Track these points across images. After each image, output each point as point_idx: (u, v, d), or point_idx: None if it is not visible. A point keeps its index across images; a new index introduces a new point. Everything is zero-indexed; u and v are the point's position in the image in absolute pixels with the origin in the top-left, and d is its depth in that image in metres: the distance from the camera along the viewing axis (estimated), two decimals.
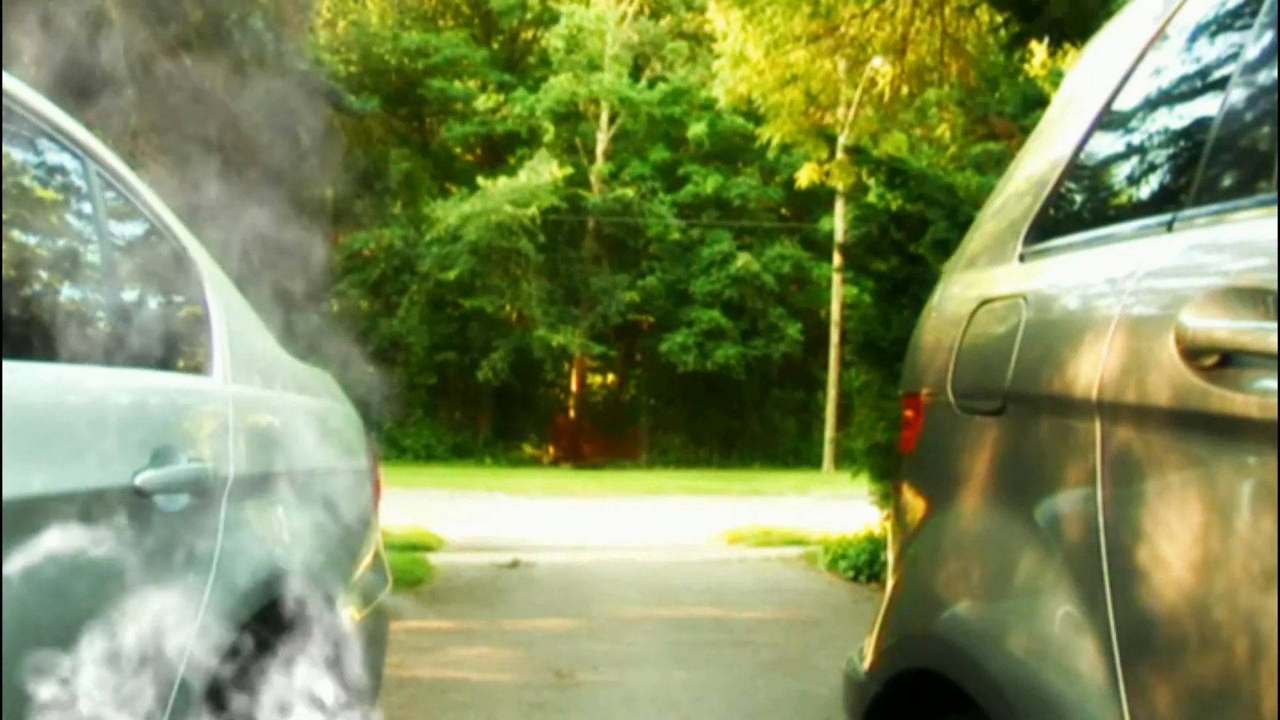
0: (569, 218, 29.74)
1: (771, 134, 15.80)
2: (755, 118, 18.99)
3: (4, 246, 1.78)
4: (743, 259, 28.93)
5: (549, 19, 31.19)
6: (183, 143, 6.36)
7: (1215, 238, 1.37)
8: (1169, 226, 1.44)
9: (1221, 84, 1.48)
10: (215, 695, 1.96)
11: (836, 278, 23.88)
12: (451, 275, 27.76)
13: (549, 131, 30.07)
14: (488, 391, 30.03)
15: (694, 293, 29.47)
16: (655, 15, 31.30)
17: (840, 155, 14.36)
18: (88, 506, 1.65)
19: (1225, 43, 1.56)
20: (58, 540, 1.58)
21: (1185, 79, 1.64)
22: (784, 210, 30.91)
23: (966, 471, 1.76)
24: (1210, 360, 1.23)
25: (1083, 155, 1.78)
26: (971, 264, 1.97)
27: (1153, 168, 1.66)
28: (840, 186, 17.09)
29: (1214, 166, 1.44)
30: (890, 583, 2.02)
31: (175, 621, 1.84)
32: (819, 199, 26.63)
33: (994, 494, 1.68)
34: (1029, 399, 1.59)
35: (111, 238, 2.10)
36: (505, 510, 15.70)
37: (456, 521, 12.52)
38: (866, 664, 1.95)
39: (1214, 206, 1.40)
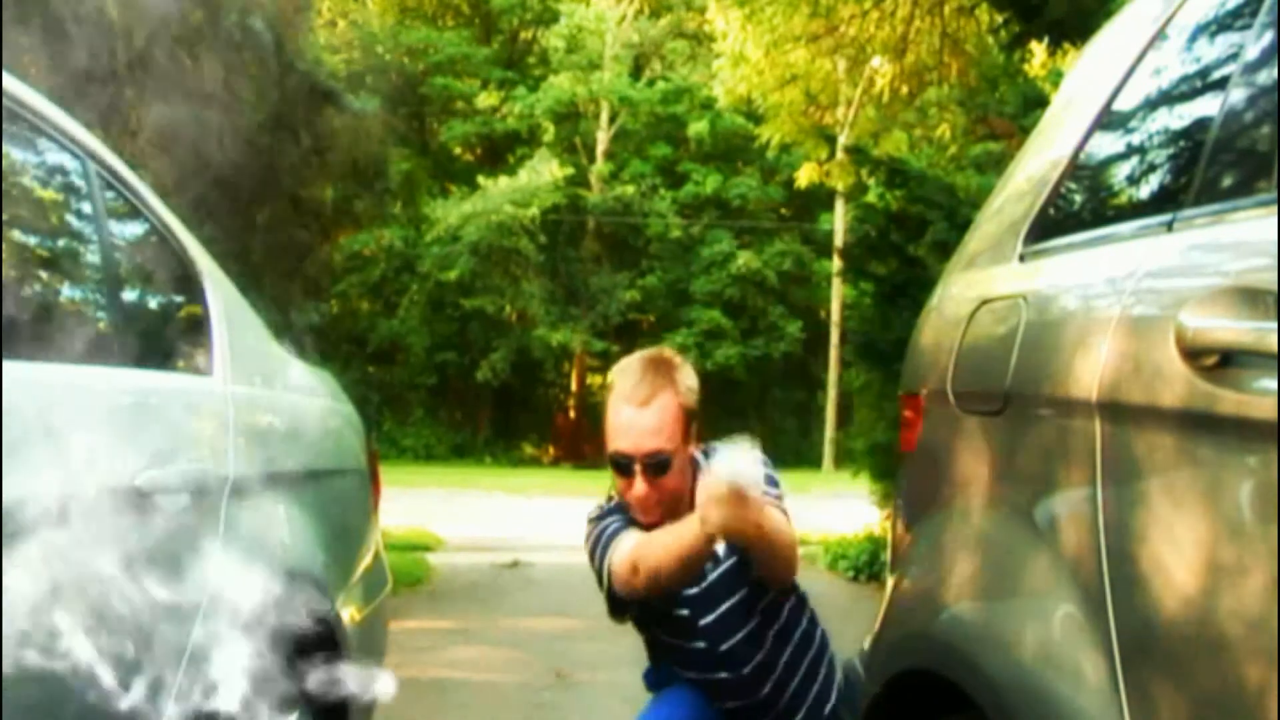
0: (569, 217, 29.73)
1: (771, 133, 15.79)
2: (755, 117, 18.98)
3: (4, 246, 1.78)
4: (743, 256, 28.93)
5: (549, 19, 31.19)
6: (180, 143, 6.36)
7: (1215, 238, 1.37)
8: (1169, 226, 1.44)
9: (1221, 84, 1.48)
10: (215, 695, 1.96)
11: (836, 278, 23.89)
12: (451, 275, 27.76)
13: (549, 131, 30.06)
14: (488, 391, 30.02)
15: (694, 292, 29.46)
16: (655, 15, 31.29)
17: (840, 155, 14.36)
18: (88, 506, 1.65)
19: (1225, 43, 1.56)
20: (58, 540, 1.58)
21: (1185, 79, 1.64)
22: (784, 210, 30.90)
23: (966, 471, 1.76)
24: (1210, 360, 1.23)
25: (1083, 155, 1.78)
26: (971, 264, 1.97)
27: (1153, 168, 1.66)
28: (840, 186, 17.08)
29: (1214, 166, 1.44)
30: (890, 583, 2.02)
31: (175, 621, 1.84)
32: (819, 198, 26.63)
33: (994, 494, 1.68)
34: (1029, 399, 1.59)
35: (111, 238, 2.10)
36: (505, 510, 15.69)
37: (456, 521, 12.51)
38: (866, 664, 1.95)
39: (1214, 206, 1.39)
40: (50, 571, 1.57)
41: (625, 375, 2.36)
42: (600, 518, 2.43)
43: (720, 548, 2.37)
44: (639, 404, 2.30)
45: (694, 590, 2.38)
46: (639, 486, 2.31)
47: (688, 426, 2.36)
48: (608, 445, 2.34)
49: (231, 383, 2.26)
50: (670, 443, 2.31)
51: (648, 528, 2.37)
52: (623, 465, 2.32)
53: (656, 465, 2.30)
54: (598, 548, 2.38)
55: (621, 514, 2.40)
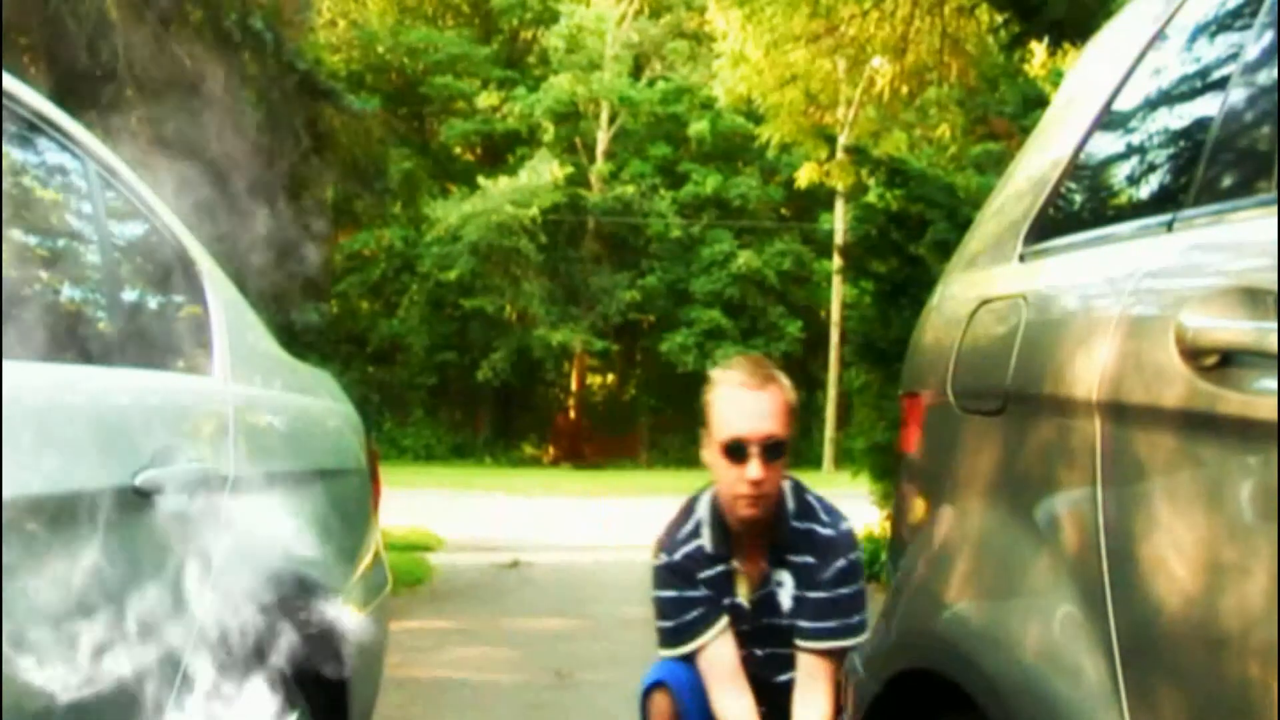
0: (569, 217, 29.73)
1: (771, 133, 15.82)
2: (755, 117, 19.00)
3: (4, 246, 1.78)
4: (744, 256, 28.94)
5: (549, 19, 31.19)
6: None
7: (1215, 238, 1.37)
8: (1169, 226, 1.44)
9: (1221, 84, 1.48)
10: (214, 695, 1.96)
11: (836, 278, 23.91)
12: (451, 275, 27.75)
13: (549, 131, 30.07)
14: (488, 391, 30.03)
15: (694, 292, 29.47)
16: (655, 15, 31.29)
17: (840, 155, 14.38)
18: (88, 507, 1.65)
19: (1225, 43, 1.56)
20: (58, 540, 1.58)
21: (1185, 79, 1.64)
22: (784, 210, 30.91)
23: (966, 471, 1.76)
24: (1210, 360, 1.23)
25: (1083, 155, 1.78)
26: (971, 264, 1.97)
27: (1153, 168, 1.65)
28: (840, 186, 17.10)
29: (1214, 166, 1.44)
30: (890, 583, 2.02)
31: (175, 622, 1.84)
32: (819, 198, 26.63)
33: (994, 494, 1.68)
34: (1029, 399, 1.59)
35: (111, 238, 2.10)
36: (505, 510, 15.69)
37: (456, 521, 12.52)
38: (866, 664, 1.95)
39: (1214, 206, 1.39)
40: (50, 571, 1.57)
41: (735, 368, 2.52)
42: (674, 564, 2.56)
43: (785, 591, 2.55)
44: (756, 388, 2.45)
45: (744, 627, 2.55)
46: (754, 469, 2.41)
47: (789, 424, 2.50)
48: (718, 435, 2.45)
49: (231, 383, 2.26)
50: (783, 430, 2.46)
51: (732, 542, 2.53)
52: (738, 450, 2.42)
53: (772, 448, 2.43)
54: (670, 616, 2.53)
55: (693, 577, 2.53)
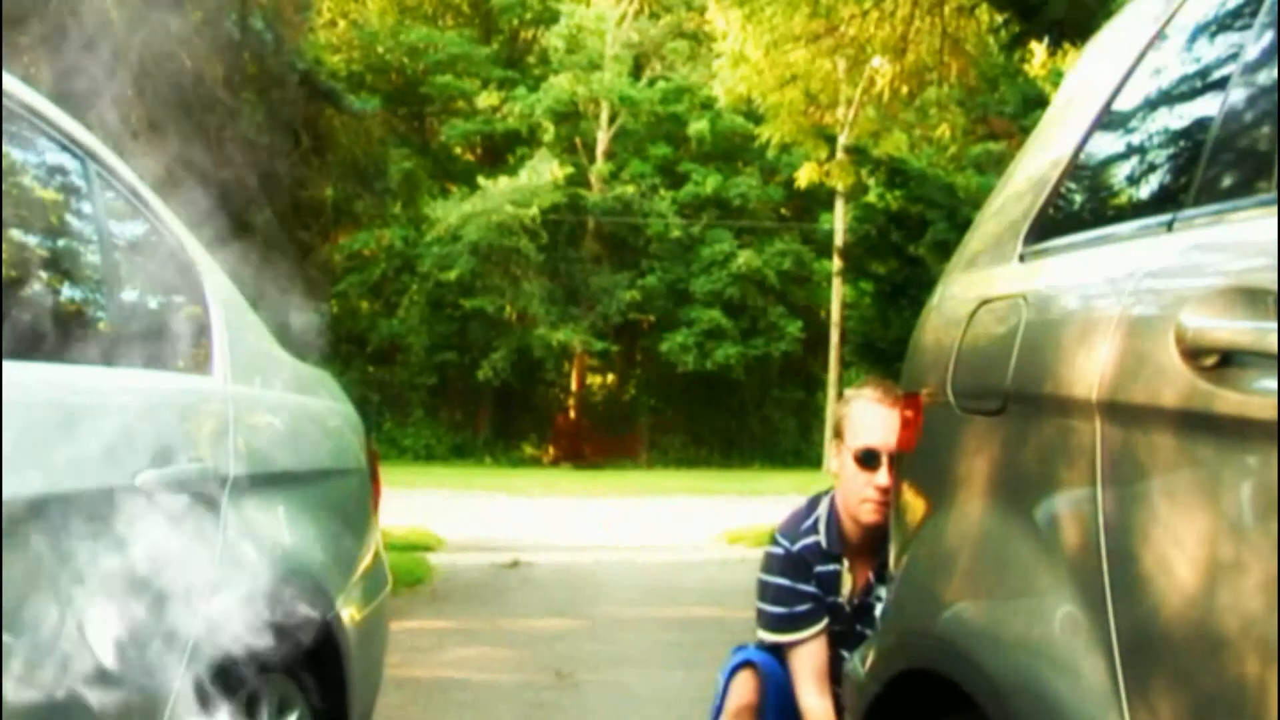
0: (569, 217, 29.72)
1: (771, 133, 15.81)
2: (755, 117, 19.00)
3: (4, 246, 1.78)
4: (744, 256, 28.93)
5: (549, 18, 31.18)
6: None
7: (1215, 238, 1.37)
8: (1169, 226, 1.44)
9: (1221, 84, 1.48)
10: (213, 695, 1.96)
11: (836, 278, 23.89)
12: (451, 275, 27.74)
13: (549, 131, 30.05)
14: (488, 391, 30.02)
15: (694, 292, 29.46)
16: (655, 15, 31.28)
17: (840, 155, 14.38)
18: (88, 507, 1.65)
19: (1225, 43, 1.56)
20: (58, 541, 1.58)
21: (1185, 79, 1.64)
22: (784, 210, 30.90)
23: (966, 471, 1.76)
24: (1210, 360, 1.23)
25: (1083, 155, 1.78)
26: (971, 264, 1.97)
27: (1153, 168, 1.66)
28: (840, 186, 17.10)
29: (1214, 166, 1.44)
30: (890, 583, 2.02)
31: (175, 622, 1.84)
32: (819, 198, 26.62)
33: (994, 494, 1.68)
34: (1029, 399, 1.59)
35: (111, 238, 2.10)
36: (505, 510, 15.69)
37: (456, 521, 12.51)
38: (866, 664, 1.95)
39: (1214, 206, 1.39)
40: (50, 571, 1.57)
41: (870, 386, 2.71)
42: (793, 554, 2.69)
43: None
44: (890, 405, 2.58)
45: (839, 628, 2.69)
46: (883, 476, 2.58)
47: None
48: (852, 443, 2.64)
49: (231, 383, 2.26)
50: None
51: (843, 548, 2.68)
52: (870, 457, 2.60)
53: None
54: (781, 604, 2.67)
55: (809, 570, 2.67)
